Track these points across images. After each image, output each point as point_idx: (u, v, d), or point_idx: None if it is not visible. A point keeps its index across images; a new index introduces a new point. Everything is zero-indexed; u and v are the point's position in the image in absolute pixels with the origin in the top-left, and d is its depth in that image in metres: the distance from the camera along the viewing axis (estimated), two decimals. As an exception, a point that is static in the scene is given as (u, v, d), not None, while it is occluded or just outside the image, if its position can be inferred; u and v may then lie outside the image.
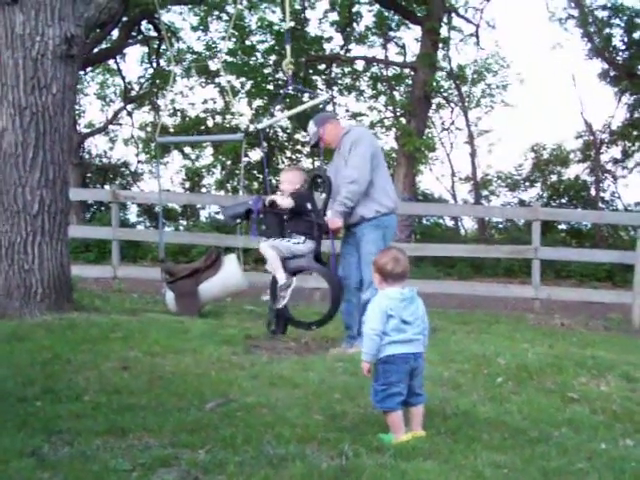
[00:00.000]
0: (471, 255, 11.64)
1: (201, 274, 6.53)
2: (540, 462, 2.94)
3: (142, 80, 21.52)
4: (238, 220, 5.52)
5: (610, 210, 19.23)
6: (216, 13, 19.06)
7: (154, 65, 20.20)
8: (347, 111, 20.99)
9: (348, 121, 19.37)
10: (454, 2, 18.77)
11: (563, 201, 20.48)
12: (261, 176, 18.22)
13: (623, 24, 17.33)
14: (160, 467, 2.75)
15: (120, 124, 23.88)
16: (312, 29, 19.57)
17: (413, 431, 3.22)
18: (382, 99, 21.32)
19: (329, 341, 5.67)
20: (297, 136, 20.31)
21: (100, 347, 4.66)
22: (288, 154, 20.86)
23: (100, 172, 23.39)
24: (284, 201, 5.20)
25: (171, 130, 20.63)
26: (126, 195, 11.35)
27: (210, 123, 20.98)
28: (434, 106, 20.15)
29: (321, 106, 5.83)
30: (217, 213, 17.86)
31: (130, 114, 23.12)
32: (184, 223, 20.80)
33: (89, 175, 22.40)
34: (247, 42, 18.96)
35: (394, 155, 17.82)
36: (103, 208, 18.92)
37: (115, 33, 17.82)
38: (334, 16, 19.05)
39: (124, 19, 16.37)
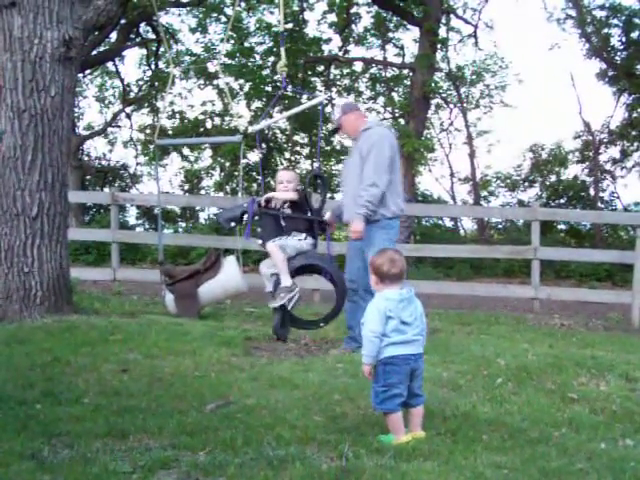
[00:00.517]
0: (471, 256, 11.62)
1: (201, 276, 6.54)
2: (540, 462, 2.94)
3: (141, 82, 21.60)
4: (233, 224, 5.51)
5: (609, 210, 19.21)
6: (214, 15, 19.08)
7: (153, 67, 20.27)
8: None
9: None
10: (452, 3, 18.77)
11: (562, 201, 20.42)
12: (260, 178, 18.20)
13: (621, 24, 17.33)
14: (160, 469, 2.75)
15: (119, 126, 23.89)
16: (310, 30, 19.64)
17: (413, 432, 3.22)
18: (381, 100, 21.36)
19: (329, 342, 5.67)
20: (296, 138, 20.31)
21: (100, 349, 4.66)
22: (287, 155, 20.87)
23: (99, 174, 23.39)
24: (287, 194, 5.19)
25: (170, 132, 20.64)
26: (125, 197, 11.37)
27: (209, 125, 21.01)
28: (433, 107, 20.11)
29: (319, 107, 5.82)
30: (216, 215, 17.85)
31: (129, 116, 23.12)
32: (183, 225, 20.81)
33: (88, 177, 22.39)
34: (246, 44, 18.99)
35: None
36: (102, 210, 18.93)
37: (114, 35, 17.82)
38: (332, 17, 19.05)
39: (122, 21, 16.42)
